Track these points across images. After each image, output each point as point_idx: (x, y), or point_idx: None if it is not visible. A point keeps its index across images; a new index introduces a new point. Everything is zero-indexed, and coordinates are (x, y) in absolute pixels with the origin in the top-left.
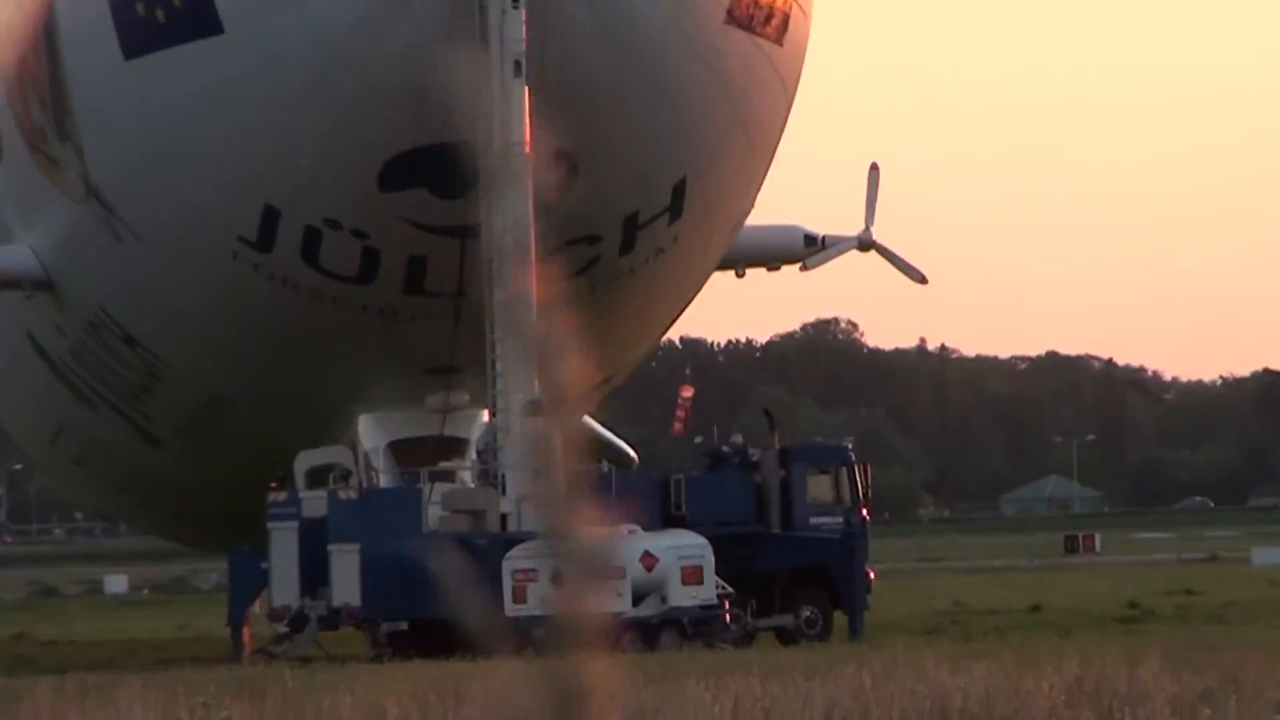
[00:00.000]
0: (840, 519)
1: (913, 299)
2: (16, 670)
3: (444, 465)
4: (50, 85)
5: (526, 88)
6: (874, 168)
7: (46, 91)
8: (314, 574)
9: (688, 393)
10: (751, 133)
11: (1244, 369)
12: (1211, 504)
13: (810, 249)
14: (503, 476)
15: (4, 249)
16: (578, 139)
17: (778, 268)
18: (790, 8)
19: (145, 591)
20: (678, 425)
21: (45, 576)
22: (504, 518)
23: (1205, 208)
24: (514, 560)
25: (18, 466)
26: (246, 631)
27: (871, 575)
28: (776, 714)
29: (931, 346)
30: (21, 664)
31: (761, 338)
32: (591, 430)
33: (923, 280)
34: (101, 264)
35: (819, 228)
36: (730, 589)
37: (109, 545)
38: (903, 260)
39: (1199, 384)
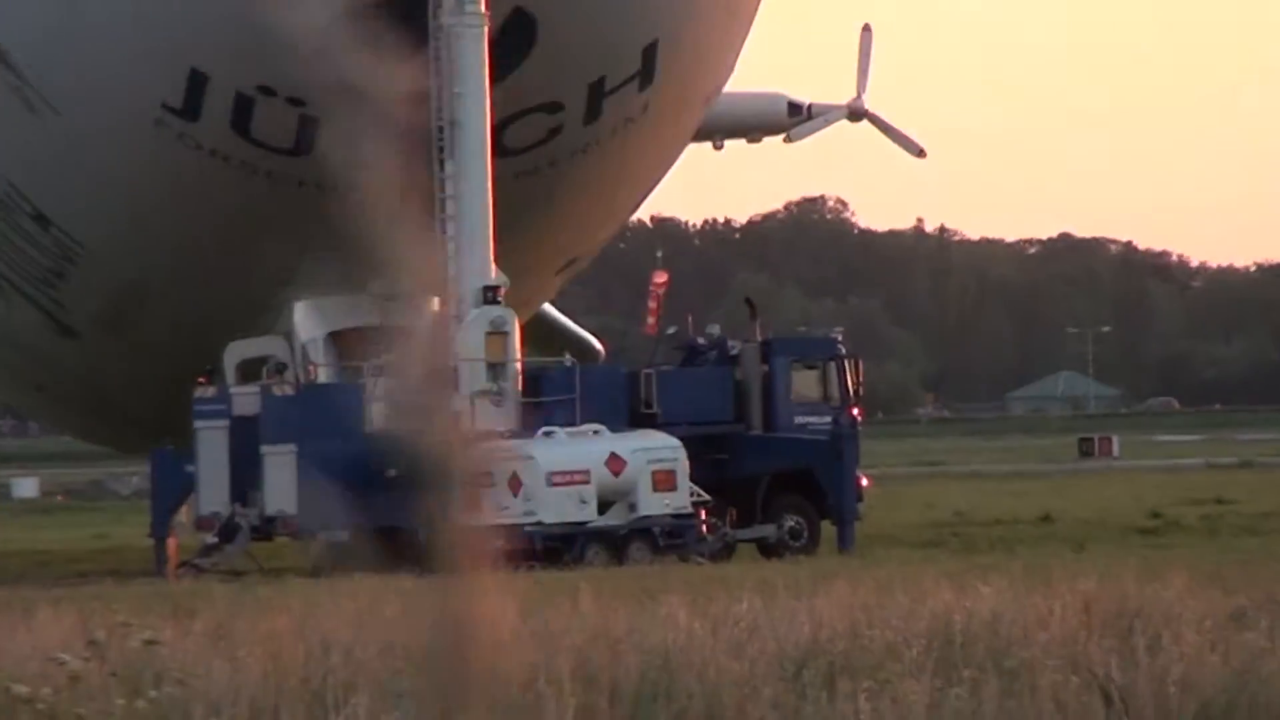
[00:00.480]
0: (828, 419)
1: (909, 174)
2: None
3: (389, 358)
4: None
5: None
6: (866, 29)
7: None
8: (245, 478)
9: (661, 279)
10: None
11: None
12: (1176, 404)
13: (795, 119)
14: (455, 370)
15: None
16: None
17: (759, 139)
18: None
19: (58, 497)
20: (650, 317)
21: None
22: (455, 416)
23: (1241, 71)
24: None
25: None
26: (171, 542)
27: (863, 482)
28: (759, 635)
29: (930, 228)
30: None
31: (741, 217)
32: (553, 320)
33: (920, 153)
34: (10, 135)
35: (805, 95)
36: (706, 496)
37: (16, 445)
38: (898, 131)
39: (1230, 270)
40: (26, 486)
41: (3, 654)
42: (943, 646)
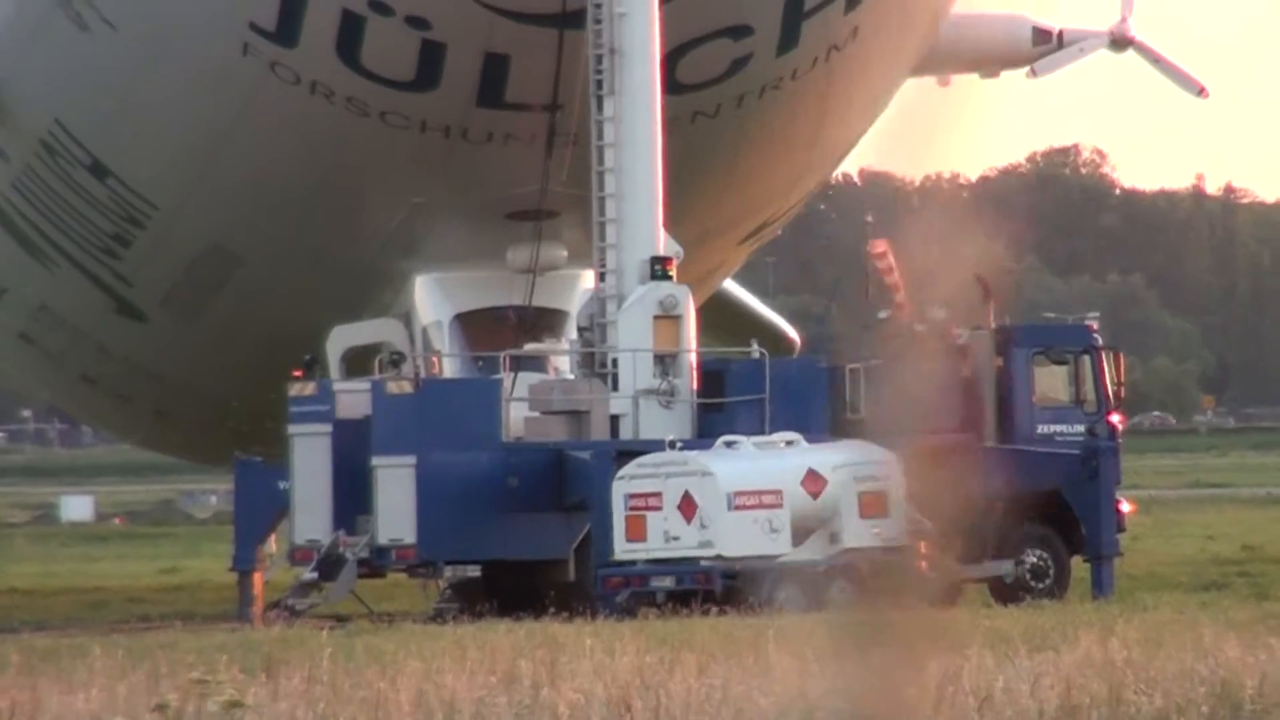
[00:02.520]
0: (1081, 428)
1: (1186, 120)
2: None
3: (531, 347)
4: None
5: None
6: None
7: None
8: (352, 498)
9: (879, 248)
10: None
11: None
12: (1174, 421)
13: (1042, 47)
14: (613, 363)
15: None
16: None
17: (996, 74)
18: None
19: (117, 520)
20: (893, 284)
21: None
22: (614, 421)
23: None
24: (628, 481)
25: None
26: (258, 578)
27: (1125, 508)
28: (991, 706)
29: (1212, 188)
30: None
31: (972, 173)
32: (737, 301)
33: (1201, 92)
34: (58, 62)
35: (1054, 19)
36: (926, 523)
37: (68, 456)
38: (1172, 64)
39: None
40: (79, 507)
41: None
42: (1229, 716)
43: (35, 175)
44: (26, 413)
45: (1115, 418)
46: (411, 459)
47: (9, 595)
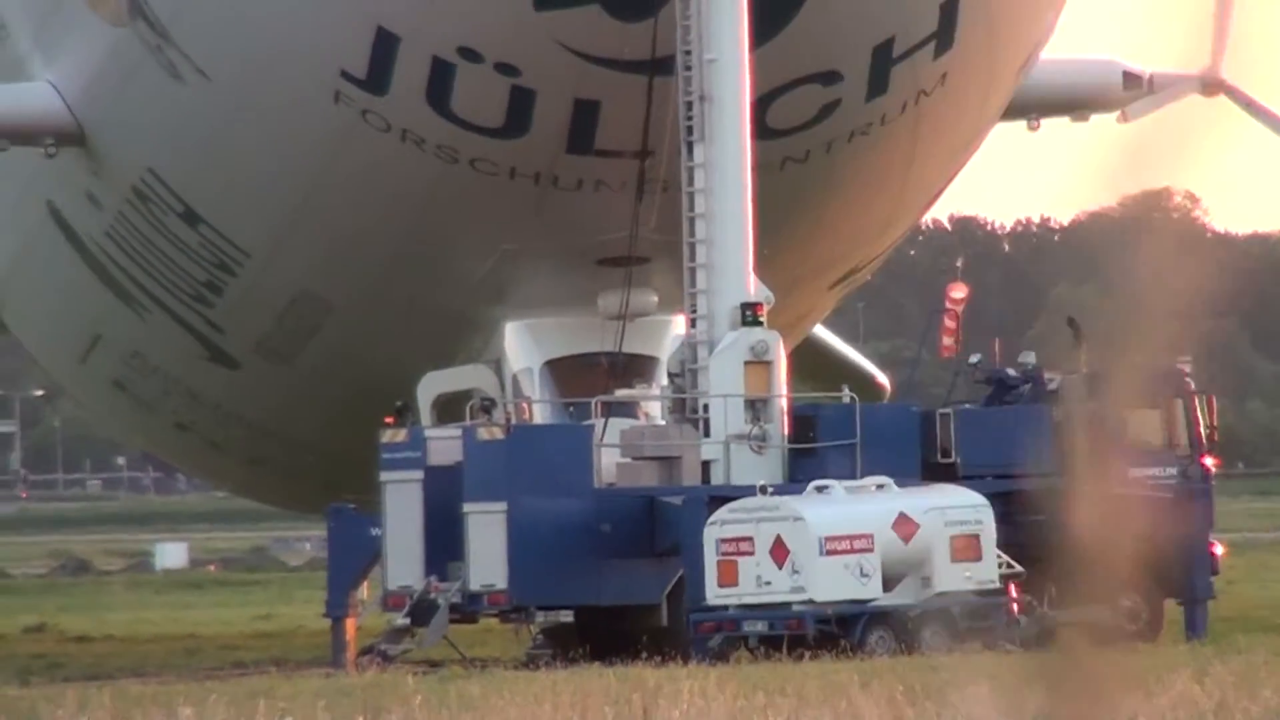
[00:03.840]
0: (1174, 471)
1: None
2: (33, 675)
3: (623, 393)
4: None
5: None
6: None
7: None
8: (444, 544)
9: (959, 293)
10: None
11: None
12: None
13: (1133, 92)
14: (704, 409)
15: (16, 87)
16: None
17: (1086, 118)
18: None
19: (211, 567)
20: (947, 340)
21: (74, 545)
22: (706, 466)
23: None
24: (720, 526)
25: (37, 393)
26: (351, 624)
27: (1218, 550)
28: None
29: None
30: (41, 667)
31: (1063, 217)
32: (827, 346)
33: None
34: (151, 110)
35: (1144, 63)
36: (1019, 568)
37: (162, 503)
38: (1265, 108)
39: None
40: (173, 554)
41: None
42: None
43: (128, 222)
44: (121, 460)
45: (1208, 460)
46: (503, 505)
47: (105, 642)
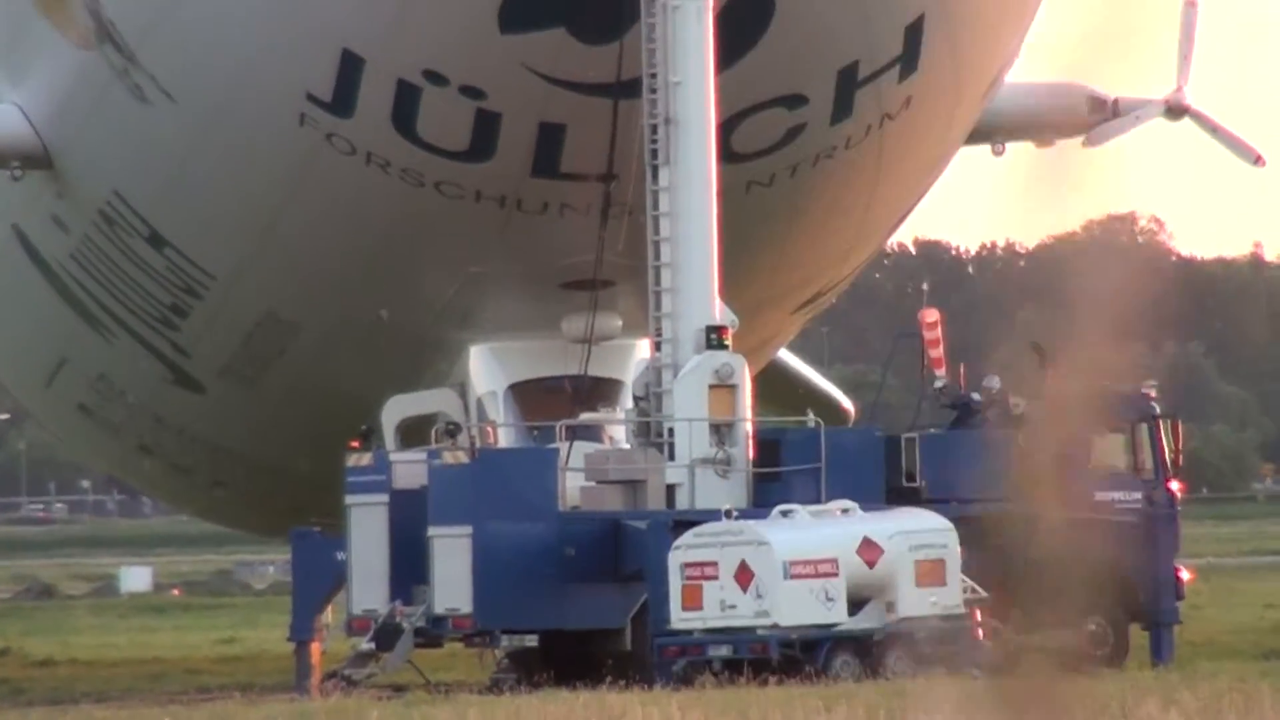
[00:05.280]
0: (1139, 495)
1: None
2: None
3: (587, 417)
4: None
5: None
6: (1190, 3)
7: None
8: (409, 569)
9: (931, 317)
10: None
11: None
12: None
13: (1098, 116)
14: (669, 433)
15: None
16: None
17: (1051, 142)
18: None
19: (175, 591)
20: (936, 359)
21: (39, 569)
22: (670, 490)
23: None
24: (684, 550)
25: (2, 416)
26: (316, 648)
27: (1184, 575)
28: None
29: (1270, 256)
30: (5, 692)
31: (1029, 241)
32: (792, 370)
33: (1258, 160)
34: (117, 133)
35: (1110, 87)
36: (983, 592)
37: (126, 526)
38: (1229, 132)
39: None
40: (137, 577)
41: None
42: None
43: (94, 246)
44: (86, 483)
45: (1173, 485)
46: (468, 529)
47: (69, 666)
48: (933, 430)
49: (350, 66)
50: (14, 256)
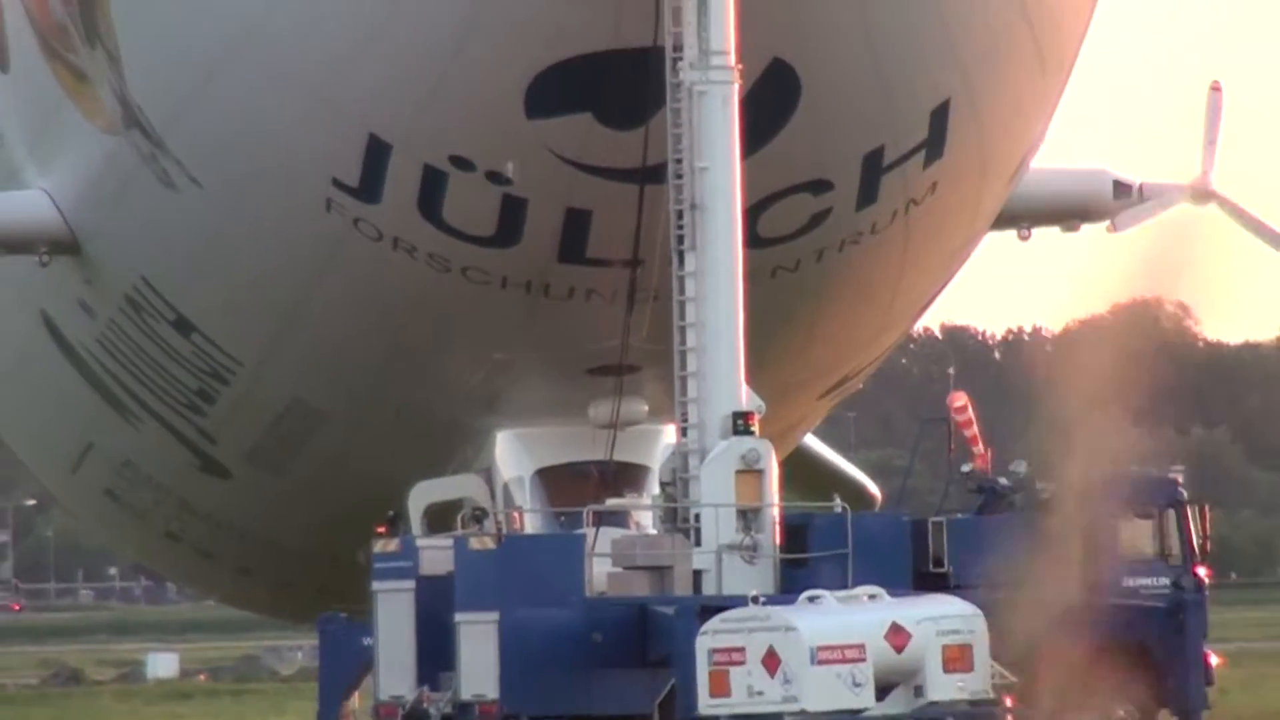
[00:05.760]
0: (1166, 580)
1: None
2: None
3: (614, 503)
4: None
5: None
6: (1215, 88)
7: None
8: (435, 655)
9: (959, 401)
10: (1041, 37)
11: None
12: None
13: (1123, 201)
14: (695, 518)
15: (10, 195)
16: (799, 45)
17: (1077, 227)
18: None
19: (202, 677)
20: (973, 437)
21: (67, 655)
22: (697, 576)
23: None
24: (711, 635)
25: (30, 502)
26: None
27: (1213, 660)
28: None
29: None
30: None
31: (1054, 326)
32: (818, 456)
33: None
34: (144, 218)
35: (1133, 173)
36: (1012, 678)
37: (153, 613)
38: (1255, 218)
39: None
40: (164, 663)
41: None
42: None
43: (120, 331)
44: (113, 570)
45: (1201, 570)
46: (494, 615)
47: None
48: (960, 515)
49: (377, 152)
50: (41, 342)
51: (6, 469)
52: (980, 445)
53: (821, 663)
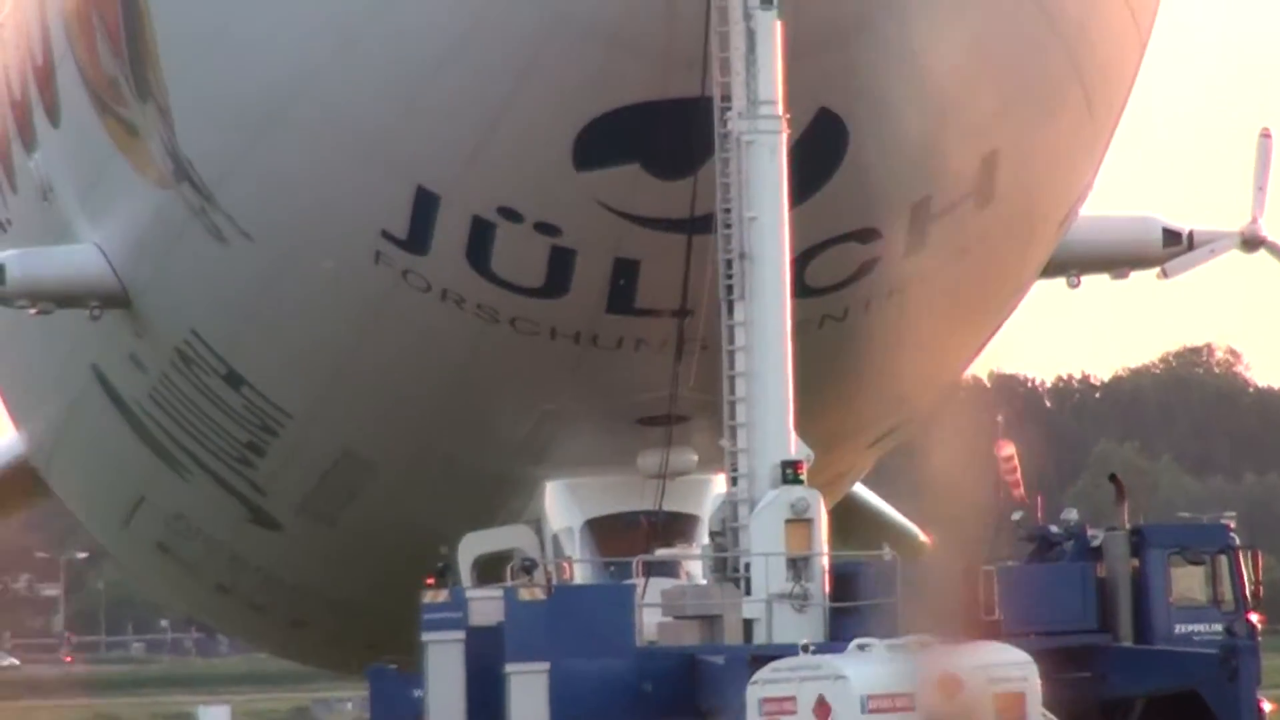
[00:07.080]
0: (1219, 627)
1: None
2: None
3: (663, 553)
4: (126, 20)
5: (779, 21)
6: (1265, 134)
7: (121, 29)
8: (486, 706)
9: (1007, 450)
10: (1089, 85)
11: None
12: None
13: (1173, 248)
14: (745, 568)
15: (62, 250)
16: (846, 95)
17: (1126, 274)
18: None
19: None
20: (1017, 490)
21: (118, 708)
22: (747, 625)
23: None
24: (762, 685)
25: (81, 555)
26: None
27: (1266, 707)
28: None
29: None
30: None
31: (1104, 373)
32: (867, 504)
33: None
34: (194, 272)
35: (1183, 219)
36: None
37: (204, 665)
38: None
39: None
40: (216, 716)
41: None
42: None
43: (171, 385)
44: (164, 622)
45: (1254, 616)
46: (545, 665)
47: None
48: (1009, 563)
49: (425, 204)
50: (92, 396)
51: (59, 521)
52: (1022, 492)
53: (872, 711)
